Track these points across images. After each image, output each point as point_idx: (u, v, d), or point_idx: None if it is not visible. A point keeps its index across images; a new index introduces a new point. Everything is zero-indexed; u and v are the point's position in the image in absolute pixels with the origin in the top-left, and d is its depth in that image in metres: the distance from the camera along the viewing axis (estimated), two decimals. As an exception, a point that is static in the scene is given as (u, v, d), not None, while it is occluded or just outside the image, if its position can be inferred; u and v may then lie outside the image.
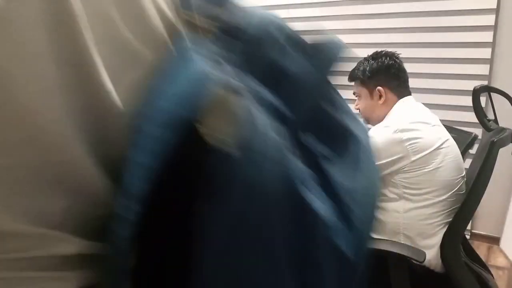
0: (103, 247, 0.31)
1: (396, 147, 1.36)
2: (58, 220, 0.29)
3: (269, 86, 0.36)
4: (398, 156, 1.36)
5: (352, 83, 1.64)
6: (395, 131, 1.37)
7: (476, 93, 1.46)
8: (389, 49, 1.60)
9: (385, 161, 1.38)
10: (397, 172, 1.38)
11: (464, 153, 1.62)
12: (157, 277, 0.34)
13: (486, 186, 1.31)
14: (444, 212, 1.38)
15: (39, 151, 0.27)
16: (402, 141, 1.36)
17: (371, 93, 1.57)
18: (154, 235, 0.33)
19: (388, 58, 1.54)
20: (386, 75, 1.53)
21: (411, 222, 1.40)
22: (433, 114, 1.49)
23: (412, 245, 1.38)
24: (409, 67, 1.59)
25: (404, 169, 1.37)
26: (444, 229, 1.36)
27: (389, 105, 1.53)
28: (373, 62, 1.56)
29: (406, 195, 1.39)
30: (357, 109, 1.64)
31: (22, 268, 0.28)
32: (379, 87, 1.53)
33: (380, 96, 1.53)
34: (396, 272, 1.30)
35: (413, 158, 1.35)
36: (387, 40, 3.52)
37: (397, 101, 1.53)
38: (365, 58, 1.59)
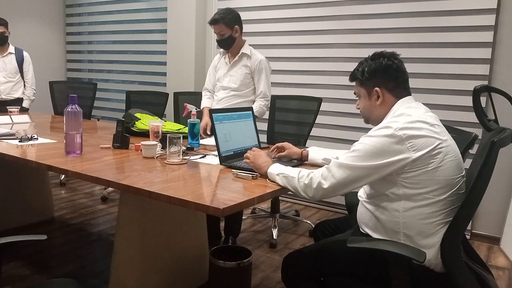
0: None
1: (396, 146, 1.36)
2: None
3: None
4: (399, 154, 1.36)
5: (353, 83, 1.64)
6: (395, 130, 1.37)
7: (476, 93, 1.46)
8: (389, 49, 1.60)
9: (386, 160, 1.38)
10: (398, 172, 1.38)
11: (464, 153, 1.62)
12: None
13: (487, 186, 1.31)
14: (444, 211, 1.38)
15: None
16: (402, 140, 1.36)
17: (369, 94, 1.57)
18: None
19: (386, 59, 1.54)
20: (384, 76, 1.53)
21: (410, 221, 1.40)
22: (433, 114, 1.49)
23: (412, 245, 1.38)
24: (409, 67, 1.59)
25: (405, 169, 1.37)
26: (444, 229, 1.36)
27: (387, 106, 1.54)
28: (371, 62, 1.56)
29: (406, 195, 1.39)
30: (358, 108, 1.64)
31: None
32: (376, 88, 1.53)
33: (378, 97, 1.54)
34: (396, 272, 1.30)
35: (414, 157, 1.35)
36: (387, 40, 3.52)
37: (395, 102, 1.53)
38: (365, 59, 1.60)
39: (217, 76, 3.04)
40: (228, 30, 2.82)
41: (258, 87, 2.92)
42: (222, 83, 2.98)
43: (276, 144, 2.12)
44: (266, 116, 3.44)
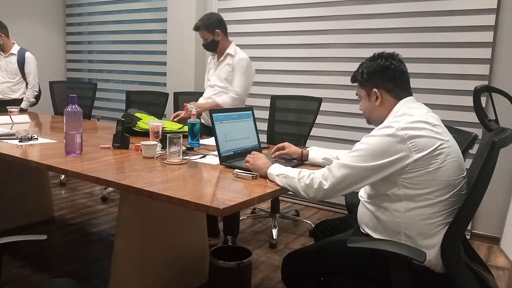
0: None
1: (398, 145, 1.36)
2: None
3: None
4: (401, 154, 1.36)
5: (355, 84, 1.64)
6: (397, 130, 1.37)
7: (477, 93, 1.46)
8: (389, 50, 1.60)
9: (387, 160, 1.37)
10: (399, 172, 1.38)
11: (464, 153, 1.62)
12: None
13: (487, 186, 1.31)
14: (445, 212, 1.38)
15: None
16: (404, 140, 1.36)
17: (368, 95, 1.57)
18: None
19: (384, 60, 1.54)
20: (382, 77, 1.53)
21: (411, 221, 1.40)
22: (434, 114, 1.49)
23: (413, 245, 1.38)
24: (409, 67, 1.59)
25: (407, 169, 1.37)
26: (445, 229, 1.36)
27: (386, 107, 1.54)
28: (370, 64, 1.56)
29: (407, 196, 1.39)
30: (360, 109, 1.65)
31: None
32: (374, 89, 1.54)
33: (377, 98, 1.54)
34: (396, 272, 1.30)
35: (415, 157, 1.35)
36: (387, 40, 3.52)
37: (394, 103, 1.53)
38: (365, 60, 1.60)
39: (208, 76, 3.16)
40: (210, 35, 2.94)
41: (233, 84, 2.97)
42: (210, 81, 3.09)
43: (277, 145, 2.13)
44: (266, 116, 3.44)
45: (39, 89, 4.41)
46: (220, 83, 3.00)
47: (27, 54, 4.30)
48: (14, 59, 4.25)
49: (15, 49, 4.27)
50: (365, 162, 1.40)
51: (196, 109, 2.57)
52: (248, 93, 3.02)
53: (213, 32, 2.93)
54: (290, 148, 2.07)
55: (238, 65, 2.93)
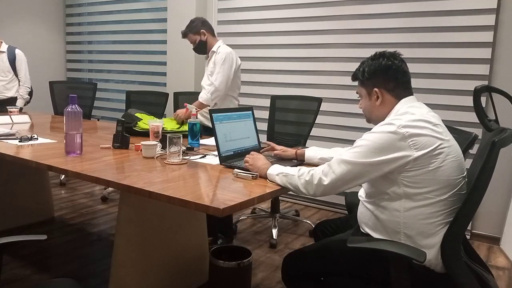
0: None
1: (399, 143, 1.36)
2: None
3: None
4: (401, 151, 1.36)
5: (355, 83, 1.64)
6: (398, 127, 1.37)
7: (477, 93, 1.46)
8: (390, 49, 1.60)
9: (388, 156, 1.37)
10: (399, 171, 1.38)
11: (464, 153, 1.62)
12: None
13: (487, 186, 1.31)
14: (445, 211, 1.38)
15: None
16: (404, 137, 1.36)
17: (369, 94, 1.57)
18: None
19: (385, 59, 1.53)
20: (383, 76, 1.53)
21: (411, 221, 1.40)
22: (435, 114, 1.49)
23: (413, 245, 1.38)
24: (409, 67, 1.59)
25: (407, 167, 1.37)
26: (445, 229, 1.37)
27: (386, 106, 1.54)
28: (371, 63, 1.56)
29: (407, 194, 1.39)
30: (360, 108, 1.65)
31: None
32: (375, 88, 1.54)
33: (378, 97, 1.54)
34: (397, 272, 1.30)
35: (415, 155, 1.35)
36: (387, 40, 3.52)
37: (395, 102, 1.53)
38: (366, 59, 1.60)
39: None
40: (197, 36, 3.07)
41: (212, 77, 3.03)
42: (202, 82, 3.16)
43: (270, 143, 2.19)
44: (266, 116, 3.44)
45: (31, 86, 4.42)
46: (208, 81, 3.05)
47: (17, 51, 4.32)
48: (4, 57, 4.27)
49: (4, 47, 4.29)
50: (365, 158, 1.40)
51: (196, 109, 2.57)
52: (228, 85, 3.00)
53: (199, 33, 3.05)
54: (286, 151, 2.09)
55: (217, 59, 3.00)
